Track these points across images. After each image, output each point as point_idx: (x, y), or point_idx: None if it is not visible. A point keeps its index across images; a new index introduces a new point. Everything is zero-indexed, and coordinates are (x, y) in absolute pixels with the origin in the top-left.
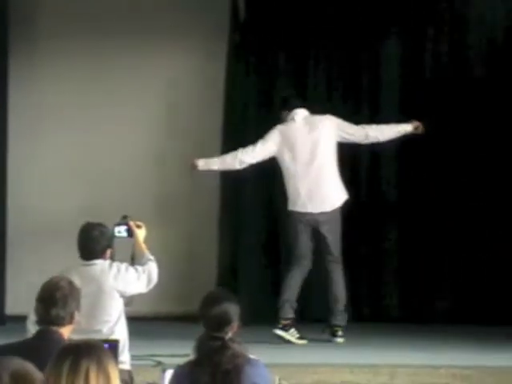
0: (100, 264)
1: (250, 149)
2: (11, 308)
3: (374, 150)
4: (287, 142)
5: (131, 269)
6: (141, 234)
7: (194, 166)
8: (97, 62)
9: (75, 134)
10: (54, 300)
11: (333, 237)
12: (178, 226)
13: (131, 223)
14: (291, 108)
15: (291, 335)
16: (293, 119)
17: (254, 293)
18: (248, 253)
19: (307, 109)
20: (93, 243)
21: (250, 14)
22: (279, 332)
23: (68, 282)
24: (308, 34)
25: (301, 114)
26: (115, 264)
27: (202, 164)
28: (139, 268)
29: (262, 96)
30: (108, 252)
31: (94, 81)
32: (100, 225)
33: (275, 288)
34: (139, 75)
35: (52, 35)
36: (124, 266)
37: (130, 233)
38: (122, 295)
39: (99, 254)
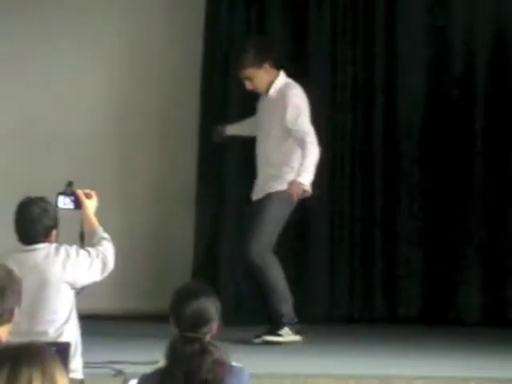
0: (44, 249)
1: None
2: None
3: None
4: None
5: (82, 252)
6: (91, 204)
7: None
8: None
9: (13, 88)
10: None
11: None
12: (145, 202)
13: (79, 191)
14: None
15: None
16: (293, 82)
17: (239, 286)
18: (233, 237)
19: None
20: (34, 223)
21: None
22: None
23: (6, 271)
24: None
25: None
26: (63, 248)
27: None
28: (92, 251)
29: (252, 33)
30: (53, 234)
31: (34, 19)
32: (42, 200)
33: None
34: (92, 9)
35: None
36: (74, 249)
37: (78, 203)
38: (72, 287)
39: (42, 237)
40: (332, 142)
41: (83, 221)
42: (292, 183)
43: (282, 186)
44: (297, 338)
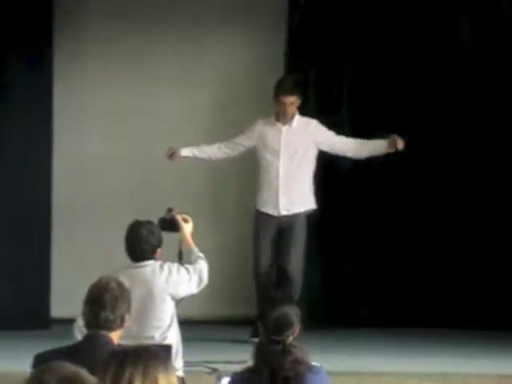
0: (150, 265)
1: None
2: (56, 310)
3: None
4: None
5: (182, 269)
6: (188, 228)
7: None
8: (144, 51)
9: (122, 123)
10: (103, 303)
11: None
12: (234, 223)
13: (178, 217)
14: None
15: None
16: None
17: (315, 296)
18: (308, 254)
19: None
20: (142, 243)
21: None
22: None
23: (117, 283)
24: (373, 15)
25: None
26: (166, 265)
27: None
28: (190, 268)
29: (324, 82)
30: (158, 252)
31: (141, 70)
32: (149, 223)
33: (337, 290)
34: (189, 64)
35: (98, 26)
36: (175, 266)
37: (177, 227)
38: (173, 298)
39: (149, 255)
40: None
41: (181, 242)
42: (392, 138)
43: (309, 206)
44: None
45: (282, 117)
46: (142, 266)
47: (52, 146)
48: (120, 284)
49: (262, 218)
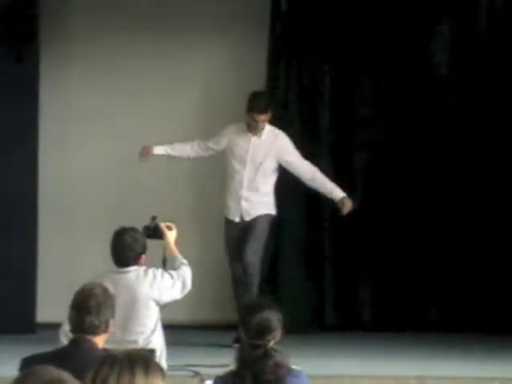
0: (135, 271)
1: None
2: (42, 315)
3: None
4: None
5: (166, 275)
6: (172, 235)
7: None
8: (133, 54)
9: (108, 124)
10: (88, 308)
11: None
12: (218, 229)
13: (161, 224)
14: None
15: None
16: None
17: (297, 300)
18: (288, 262)
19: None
20: (126, 250)
21: (292, 5)
22: None
23: (102, 289)
24: (352, 24)
25: None
26: (150, 271)
27: None
28: (173, 273)
29: (305, 89)
30: (142, 258)
31: (127, 71)
32: (133, 230)
33: (319, 294)
34: (177, 67)
35: (84, 27)
36: (159, 272)
37: (160, 235)
38: (157, 303)
39: (133, 261)
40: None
41: (165, 249)
42: (344, 200)
43: (269, 210)
44: None
45: (252, 129)
46: (126, 272)
47: (38, 146)
48: (105, 290)
49: (229, 225)
